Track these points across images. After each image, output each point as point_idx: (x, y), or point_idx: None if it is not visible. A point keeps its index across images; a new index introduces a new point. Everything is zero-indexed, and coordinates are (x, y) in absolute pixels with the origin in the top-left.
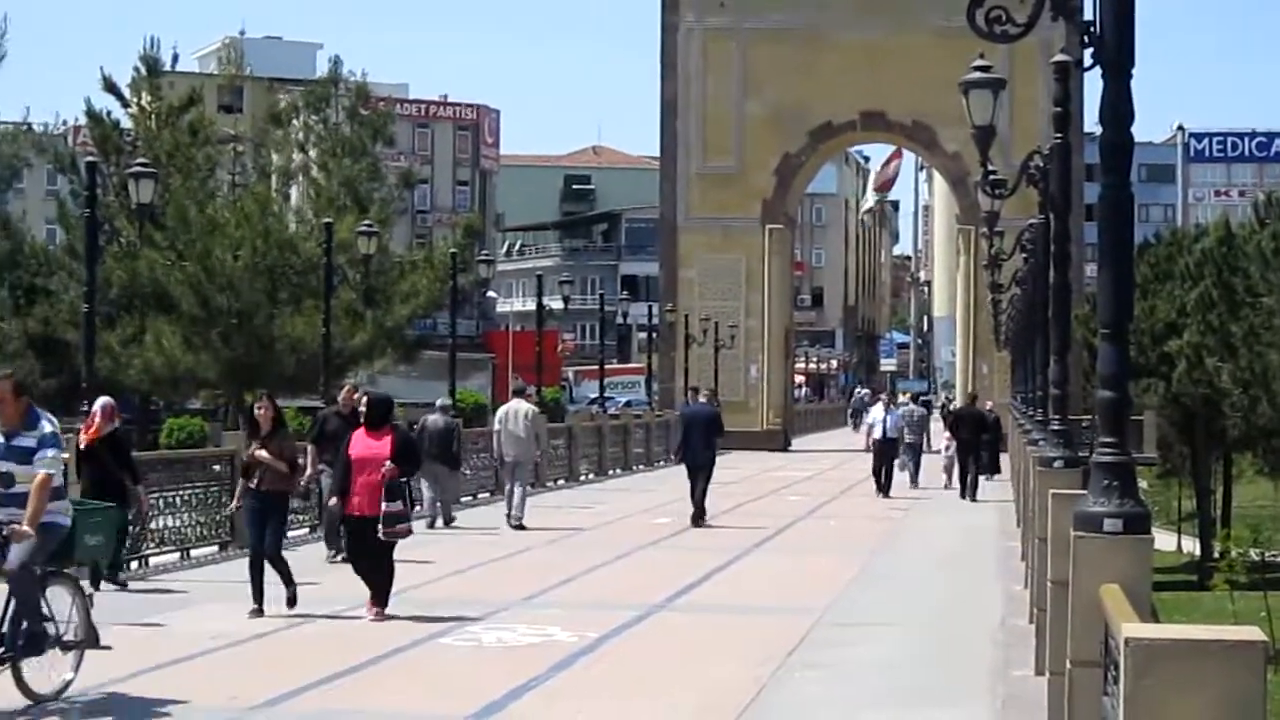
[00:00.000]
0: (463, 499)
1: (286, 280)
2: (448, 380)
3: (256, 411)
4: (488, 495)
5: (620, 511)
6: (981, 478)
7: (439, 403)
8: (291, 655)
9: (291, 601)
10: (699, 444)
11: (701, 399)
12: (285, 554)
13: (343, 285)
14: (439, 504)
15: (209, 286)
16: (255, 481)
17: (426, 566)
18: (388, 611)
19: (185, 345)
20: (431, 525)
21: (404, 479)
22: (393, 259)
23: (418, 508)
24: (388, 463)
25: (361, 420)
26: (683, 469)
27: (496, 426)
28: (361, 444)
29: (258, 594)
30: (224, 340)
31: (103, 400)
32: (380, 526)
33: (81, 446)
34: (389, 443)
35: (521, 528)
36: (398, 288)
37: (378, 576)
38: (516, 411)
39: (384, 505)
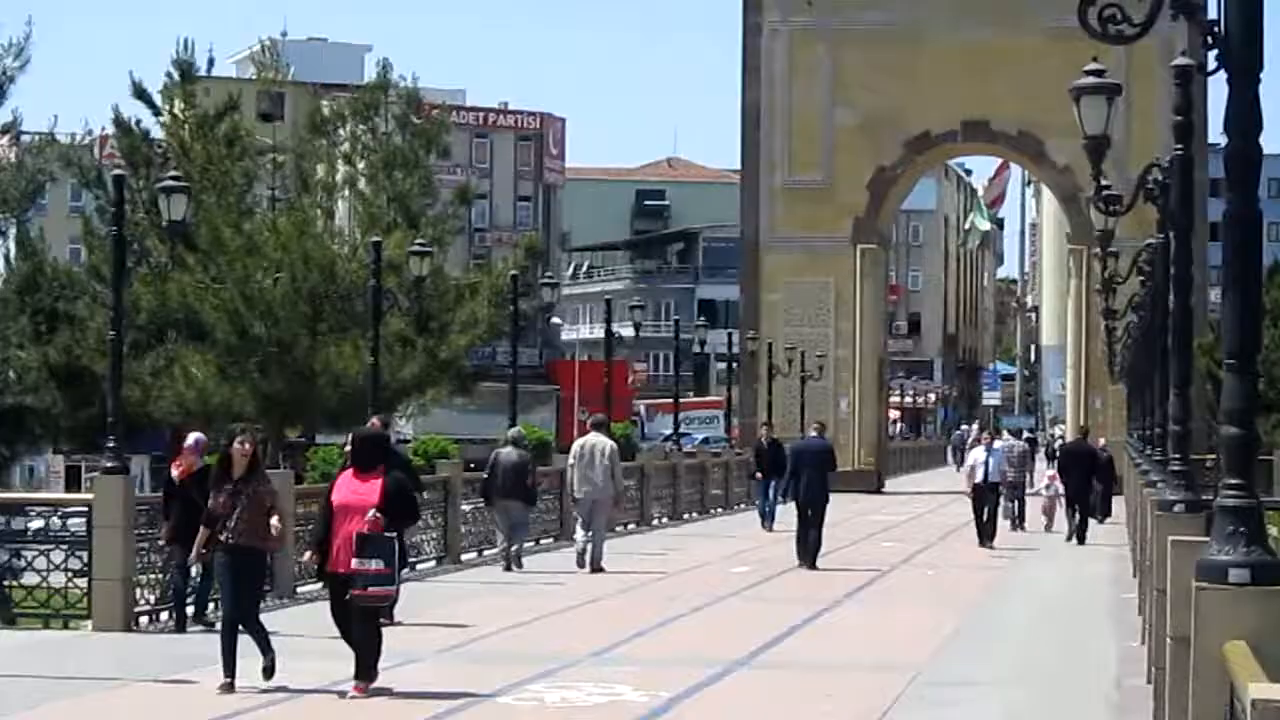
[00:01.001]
0: (526, 543)
1: (330, 306)
2: (508, 414)
3: (235, 447)
4: (551, 540)
5: (697, 559)
6: (1092, 520)
7: (511, 434)
8: (342, 714)
9: (268, 671)
10: (810, 480)
11: (812, 432)
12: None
13: (392, 311)
14: (514, 545)
15: (246, 313)
16: (227, 534)
17: (486, 616)
18: (379, 685)
19: (220, 376)
20: (508, 568)
21: (393, 533)
22: (447, 282)
23: (406, 570)
24: (372, 511)
25: (351, 460)
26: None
27: (570, 462)
28: (347, 488)
29: (229, 664)
30: (261, 371)
31: (195, 436)
32: (351, 588)
33: (176, 482)
34: (378, 487)
35: (600, 570)
36: (453, 314)
37: (359, 646)
38: (594, 447)
39: (356, 562)
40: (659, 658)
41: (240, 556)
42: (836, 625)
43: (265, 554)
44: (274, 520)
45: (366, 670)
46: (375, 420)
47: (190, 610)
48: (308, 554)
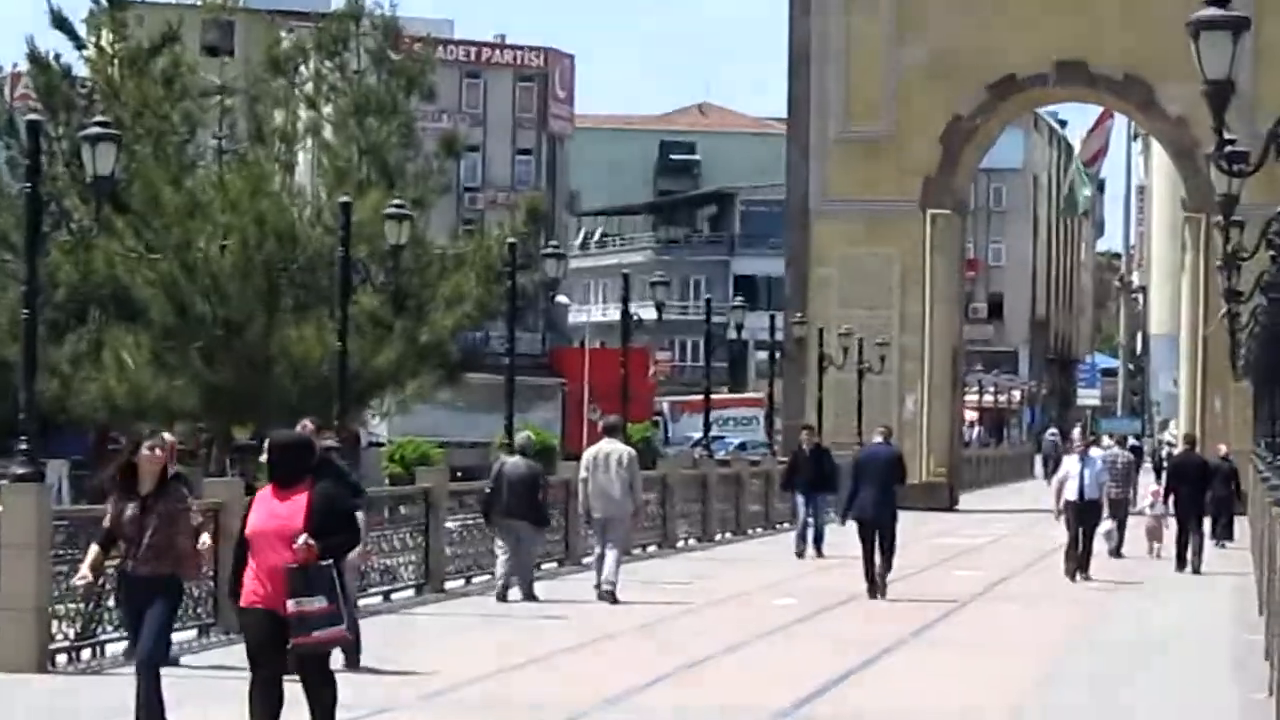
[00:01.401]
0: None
1: (289, 280)
2: (504, 412)
3: (143, 455)
4: (555, 565)
5: (730, 589)
6: (1210, 544)
7: (519, 441)
8: None
9: None
10: (875, 495)
11: (877, 438)
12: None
13: (364, 287)
14: (518, 572)
15: (187, 288)
16: (133, 562)
17: (475, 657)
18: None
19: (155, 365)
20: (502, 598)
21: (328, 559)
22: (431, 251)
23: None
24: (302, 537)
25: (274, 472)
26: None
27: (583, 474)
28: (264, 510)
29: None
30: (206, 359)
31: (163, 437)
32: (292, 636)
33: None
34: (303, 506)
35: (614, 600)
36: (437, 290)
37: (314, 706)
38: (609, 455)
39: (292, 604)
40: (685, 708)
41: (149, 589)
42: (899, 671)
43: (180, 582)
44: (204, 538)
45: None
46: (307, 422)
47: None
48: (82, 570)
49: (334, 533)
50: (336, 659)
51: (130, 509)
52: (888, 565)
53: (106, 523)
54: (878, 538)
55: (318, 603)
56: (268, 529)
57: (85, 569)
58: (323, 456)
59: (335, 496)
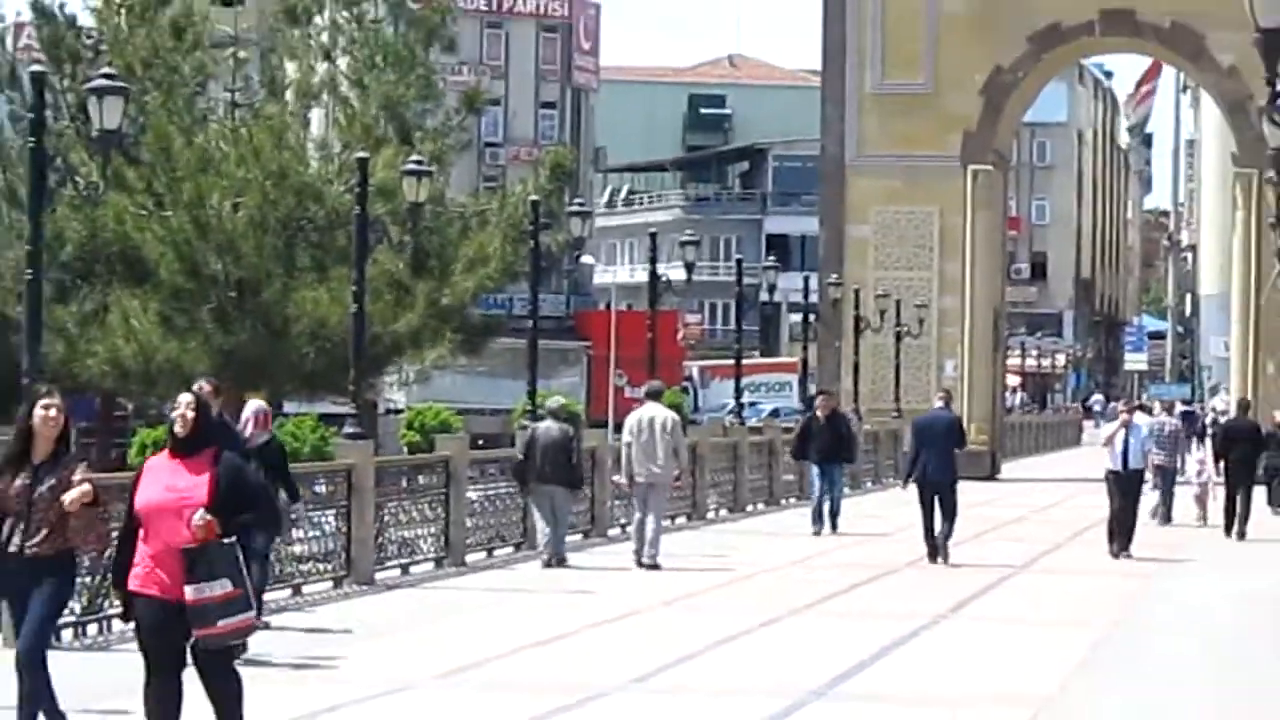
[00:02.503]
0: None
1: (305, 239)
2: (527, 378)
3: (36, 416)
4: (581, 537)
5: (763, 562)
6: (1267, 510)
7: (550, 405)
8: None
9: None
10: (937, 460)
11: (938, 403)
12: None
13: (382, 247)
14: (554, 538)
15: (200, 246)
16: (20, 539)
17: (497, 633)
18: None
19: (165, 327)
20: (549, 564)
21: (228, 538)
22: (452, 210)
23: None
24: (199, 512)
25: (169, 437)
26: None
27: (626, 439)
28: (158, 482)
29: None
30: (219, 321)
31: (255, 405)
32: (194, 628)
33: None
34: (206, 478)
35: (656, 568)
36: (458, 250)
37: (219, 703)
38: (654, 420)
39: (191, 590)
40: (715, 687)
41: (36, 570)
42: (938, 647)
43: (73, 562)
44: (75, 492)
45: None
46: (204, 384)
47: None
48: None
49: (242, 510)
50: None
51: (20, 479)
52: (949, 529)
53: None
54: (938, 502)
55: (220, 587)
56: (164, 504)
57: None
58: (224, 424)
59: (240, 471)
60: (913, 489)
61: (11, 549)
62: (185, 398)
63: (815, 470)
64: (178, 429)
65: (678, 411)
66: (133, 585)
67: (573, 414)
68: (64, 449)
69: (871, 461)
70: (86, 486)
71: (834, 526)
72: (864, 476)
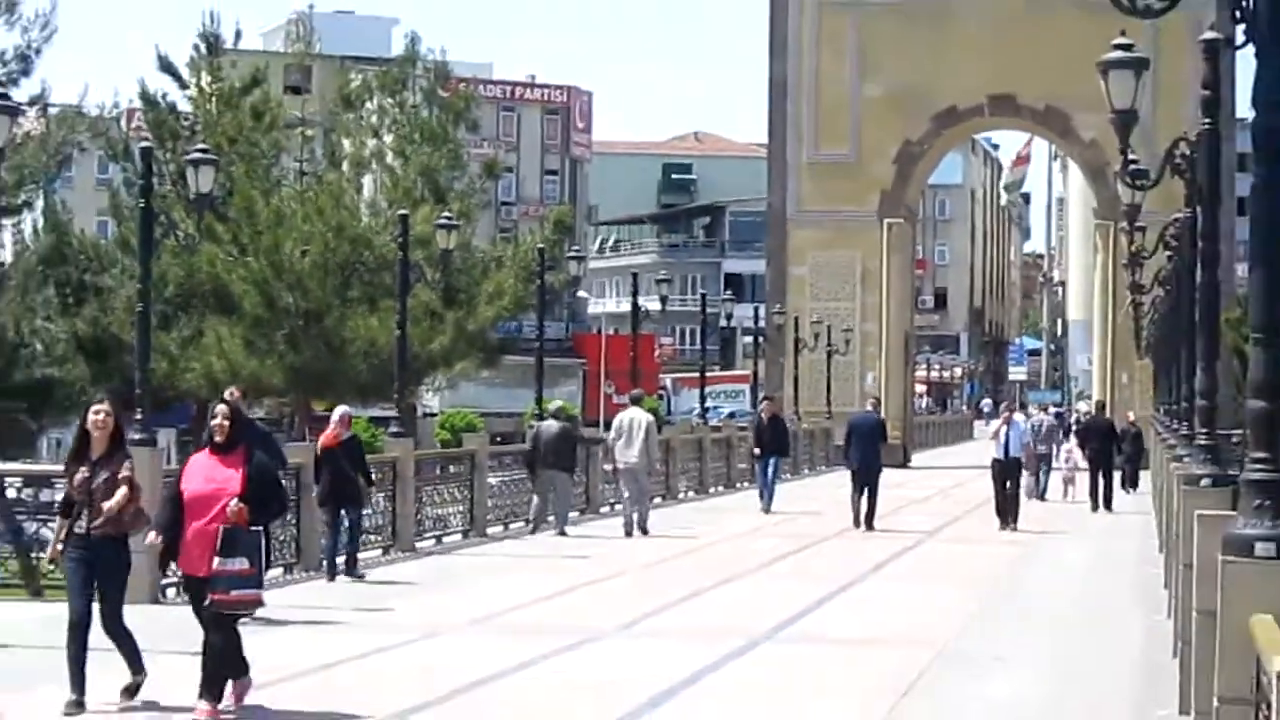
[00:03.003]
0: (549, 518)
1: (359, 278)
2: (534, 388)
3: (92, 419)
4: (577, 514)
5: (723, 533)
6: (1120, 492)
7: (550, 407)
8: (369, 685)
9: (133, 690)
10: (864, 450)
11: (868, 407)
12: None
13: (420, 284)
14: (557, 513)
15: (275, 284)
16: (85, 521)
17: (513, 590)
18: (233, 706)
19: (247, 348)
20: (534, 531)
21: (258, 525)
22: (475, 255)
23: (433, 543)
24: (234, 501)
25: (209, 439)
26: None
27: (614, 436)
28: (200, 473)
29: (77, 679)
30: (290, 343)
31: (341, 409)
32: (210, 591)
33: (319, 452)
34: (239, 473)
35: (645, 533)
36: (480, 287)
37: (211, 658)
38: (633, 421)
39: (218, 562)
40: (686, 631)
41: (98, 550)
42: (863, 600)
43: (127, 544)
44: (117, 496)
45: (216, 685)
46: (233, 390)
47: (341, 562)
48: (153, 535)
49: (265, 502)
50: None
51: (81, 472)
52: (873, 505)
53: (67, 491)
54: (866, 483)
55: (239, 563)
56: (204, 492)
57: (51, 549)
58: (249, 421)
59: (270, 469)
60: (846, 473)
61: (79, 530)
62: (221, 408)
63: (760, 460)
64: (217, 437)
65: (655, 415)
66: (186, 568)
67: (571, 416)
68: (117, 445)
69: (808, 453)
70: (122, 491)
71: (769, 505)
72: (803, 465)
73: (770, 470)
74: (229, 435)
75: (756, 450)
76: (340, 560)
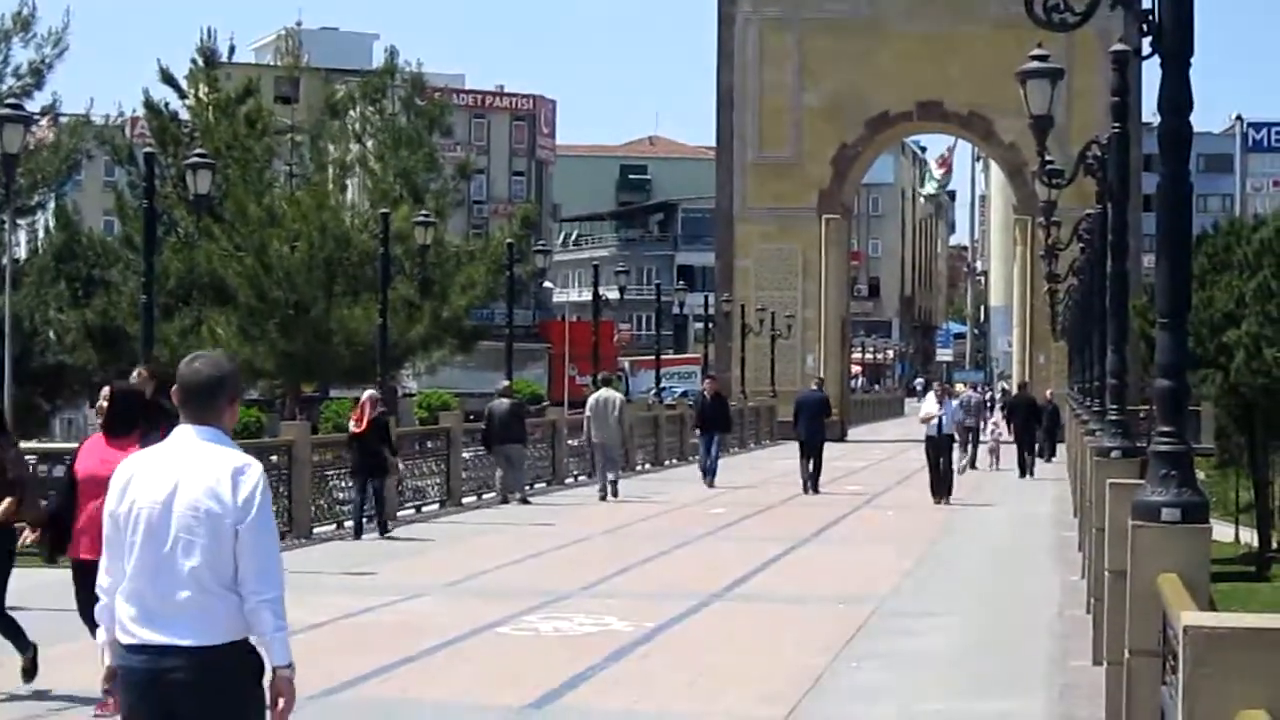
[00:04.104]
0: (514, 493)
1: (343, 272)
2: (504, 370)
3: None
4: (544, 485)
5: (676, 502)
6: (1039, 461)
7: (499, 387)
8: (351, 643)
9: (29, 672)
10: (811, 423)
11: (813, 386)
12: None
13: (399, 277)
14: (515, 482)
15: (266, 279)
16: None
17: (485, 554)
18: None
19: (242, 336)
20: (504, 501)
21: None
22: (449, 250)
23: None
24: None
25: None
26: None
27: (588, 413)
28: (95, 456)
29: None
30: (281, 332)
31: (369, 392)
32: None
33: (354, 431)
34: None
35: (616, 495)
36: (454, 279)
37: None
38: (606, 399)
39: None
40: (643, 591)
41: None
42: (805, 561)
43: (13, 530)
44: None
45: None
46: (141, 370)
47: (368, 522)
48: (28, 535)
49: None
50: None
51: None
52: (818, 471)
53: None
54: (812, 453)
55: None
56: (97, 474)
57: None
58: (155, 403)
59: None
60: (791, 445)
61: None
62: (104, 390)
63: (702, 437)
64: (100, 419)
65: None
66: (79, 552)
67: (537, 395)
68: (3, 430)
69: (754, 429)
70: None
71: (712, 480)
72: (749, 440)
73: (714, 446)
74: (111, 416)
75: (698, 429)
76: (369, 523)
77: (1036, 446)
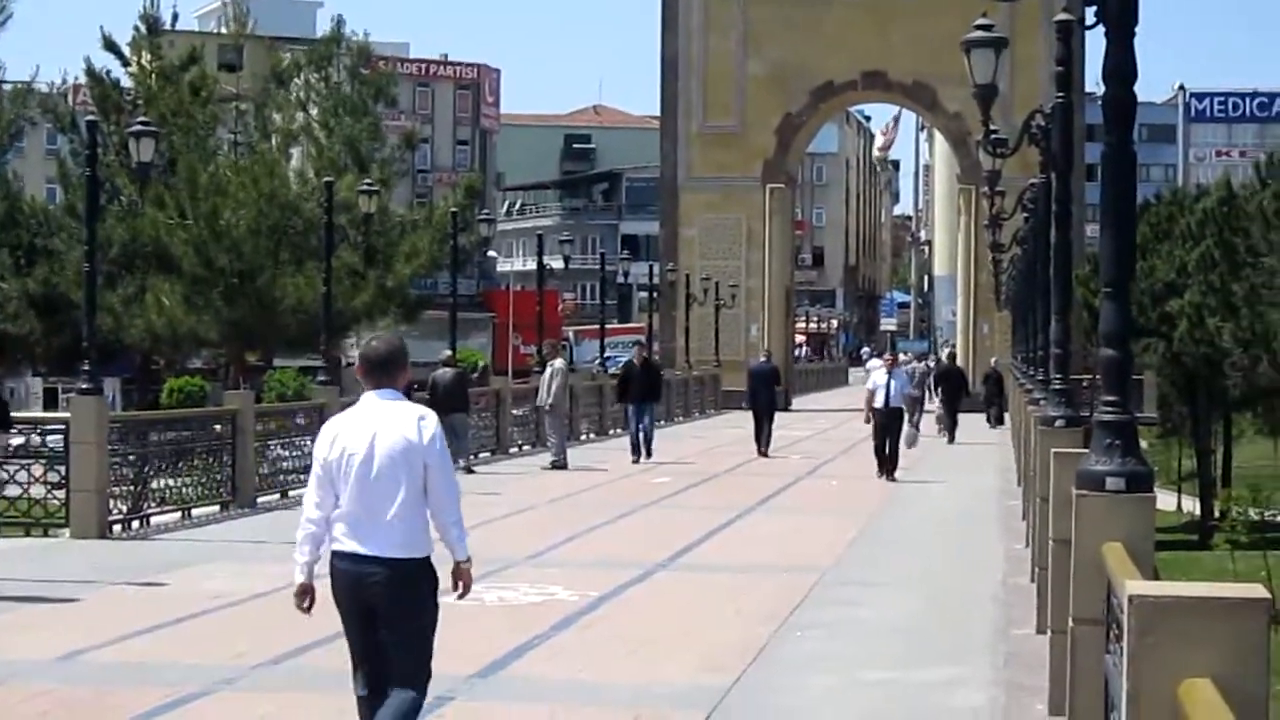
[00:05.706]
0: (459, 461)
1: (288, 241)
2: (449, 340)
3: None
4: (489, 454)
5: (621, 471)
6: (986, 427)
7: (442, 355)
8: (293, 615)
9: None
10: (763, 392)
11: (763, 357)
12: None
13: (344, 245)
14: (459, 452)
15: (212, 246)
16: None
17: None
18: None
19: (186, 305)
20: (469, 471)
21: None
22: (394, 219)
23: None
24: None
25: None
26: (675, 428)
27: (544, 379)
28: None
29: None
30: (226, 300)
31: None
32: None
33: None
34: None
35: (564, 467)
36: (399, 247)
37: None
38: (554, 367)
39: None
40: (588, 561)
41: None
42: (749, 531)
43: None
44: None
45: None
46: None
47: None
48: None
49: None
50: None
51: None
52: (769, 436)
53: None
54: (764, 419)
55: None
56: None
57: None
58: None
59: None
60: (734, 414)
61: None
62: None
63: (632, 409)
64: None
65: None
66: None
67: (483, 366)
68: None
69: (699, 398)
70: None
71: (649, 453)
72: (694, 409)
73: (647, 418)
74: None
75: (619, 400)
76: None
77: (973, 416)
